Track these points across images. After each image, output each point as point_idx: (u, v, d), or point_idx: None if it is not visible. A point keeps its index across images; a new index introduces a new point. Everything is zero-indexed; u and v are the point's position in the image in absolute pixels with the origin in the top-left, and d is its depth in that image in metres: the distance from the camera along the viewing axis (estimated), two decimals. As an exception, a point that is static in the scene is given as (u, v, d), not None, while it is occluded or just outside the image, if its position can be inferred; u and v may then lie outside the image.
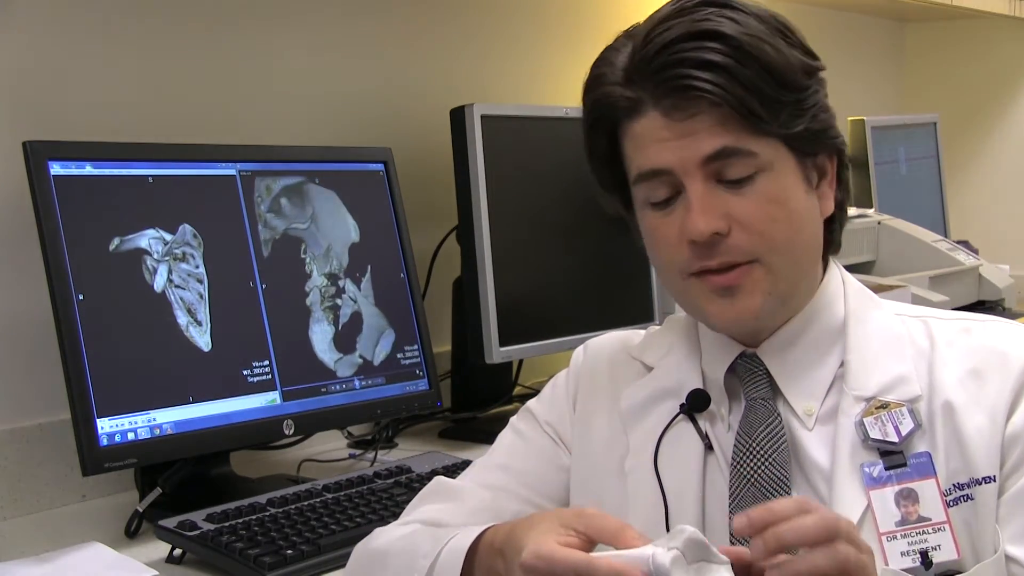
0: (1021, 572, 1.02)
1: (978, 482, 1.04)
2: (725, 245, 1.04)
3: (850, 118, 3.13)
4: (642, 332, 1.25)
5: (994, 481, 1.03)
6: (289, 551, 1.41)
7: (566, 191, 2.09)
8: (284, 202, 1.76)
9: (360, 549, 1.15)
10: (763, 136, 1.04)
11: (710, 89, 1.00)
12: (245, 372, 1.67)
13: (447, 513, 1.16)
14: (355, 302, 1.84)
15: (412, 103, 2.19)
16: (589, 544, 0.91)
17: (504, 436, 1.25)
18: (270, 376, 1.69)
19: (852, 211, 2.68)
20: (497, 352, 1.99)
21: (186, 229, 1.64)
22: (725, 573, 0.87)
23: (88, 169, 1.55)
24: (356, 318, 1.84)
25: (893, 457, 1.05)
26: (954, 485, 1.05)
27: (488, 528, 1.01)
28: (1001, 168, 3.70)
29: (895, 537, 1.03)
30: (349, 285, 1.84)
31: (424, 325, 1.93)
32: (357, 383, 1.82)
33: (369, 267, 1.86)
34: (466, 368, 2.12)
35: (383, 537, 1.12)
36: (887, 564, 1.02)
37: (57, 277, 1.47)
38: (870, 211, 2.84)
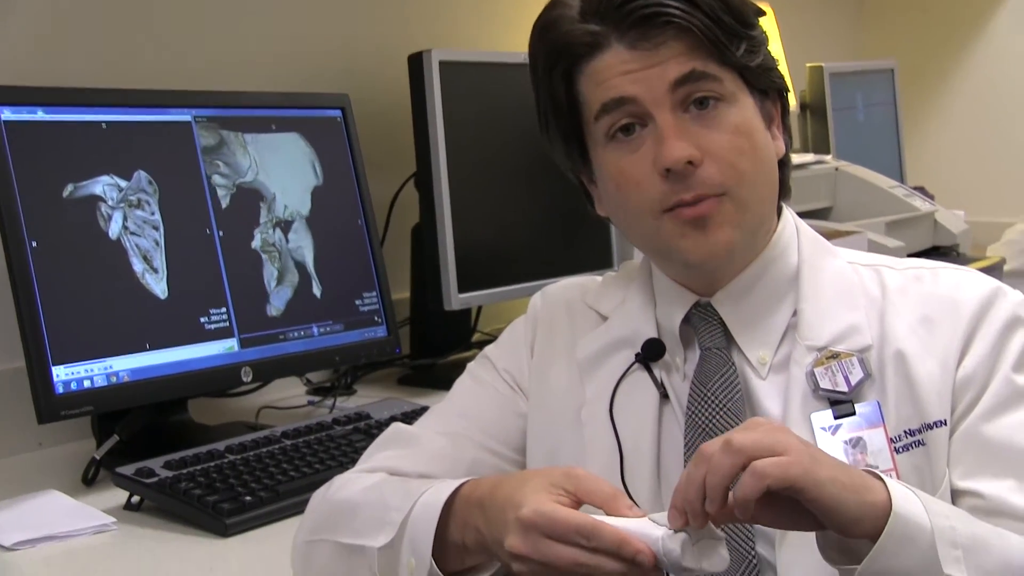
0: (979, 503, 1.02)
1: (929, 427, 1.04)
2: (697, 177, 1.04)
3: (808, 64, 3.12)
4: (599, 279, 1.24)
5: (945, 425, 1.04)
6: (248, 497, 1.40)
7: (525, 137, 2.02)
8: (240, 148, 1.75)
9: (321, 497, 1.14)
10: (726, 66, 1.05)
11: (678, 14, 1.02)
12: (202, 319, 1.66)
13: (405, 460, 1.15)
14: (308, 249, 1.83)
15: (370, 49, 2.17)
16: (576, 506, 0.92)
17: (461, 383, 1.24)
18: (227, 323, 1.68)
19: (809, 157, 2.74)
20: (456, 299, 1.99)
21: (141, 176, 1.62)
22: (723, 550, 0.88)
23: (40, 114, 1.53)
24: (307, 264, 1.83)
25: (843, 407, 1.06)
26: (905, 431, 1.05)
27: (464, 483, 1.01)
28: (957, 115, 3.71)
29: None
30: (303, 232, 1.83)
31: (383, 272, 1.92)
32: (315, 330, 1.81)
33: (327, 213, 1.85)
34: (425, 315, 2.11)
35: (348, 488, 1.10)
36: None
37: (10, 224, 1.45)
38: (828, 157, 2.84)
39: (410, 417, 1.69)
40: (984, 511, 1.00)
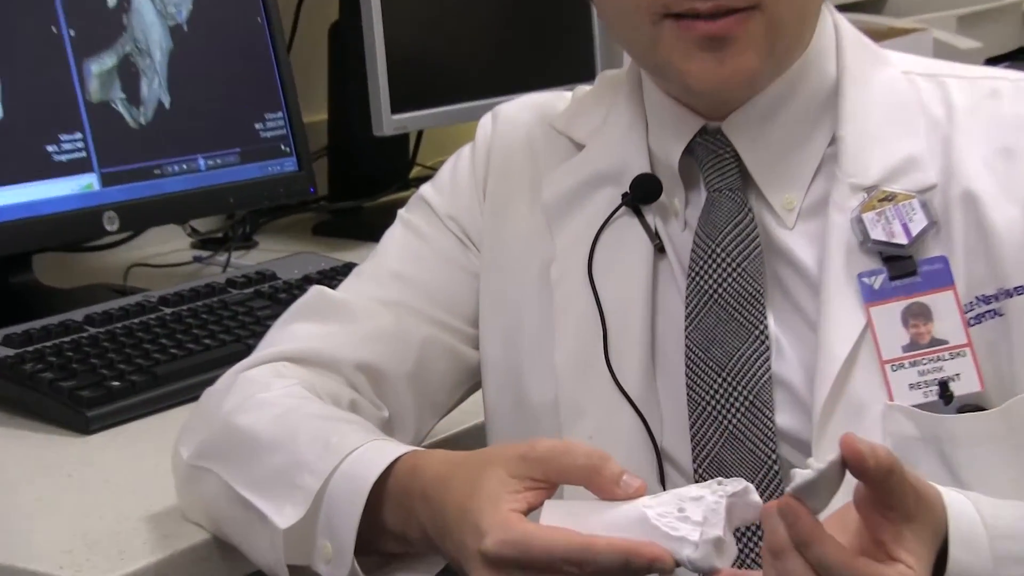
0: None
1: (1008, 293, 1.06)
2: None
3: None
4: (567, 95, 1.25)
5: None
6: (115, 383, 1.42)
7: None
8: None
9: (215, 405, 1.14)
10: None
11: None
12: (50, 148, 1.64)
13: (334, 340, 1.16)
14: (192, 55, 1.82)
15: None
16: (551, 493, 0.93)
17: (394, 235, 1.26)
18: (84, 153, 1.68)
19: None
20: (388, 121, 1.99)
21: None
22: (730, 553, 0.91)
23: None
24: (191, 75, 1.82)
25: (900, 263, 1.07)
26: (977, 298, 1.07)
27: (401, 457, 1.00)
28: None
29: (902, 366, 1.06)
30: (184, 33, 1.82)
31: (290, 86, 1.91)
32: (201, 162, 1.81)
33: (215, 9, 1.84)
34: (347, 142, 2.14)
35: (251, 412, 1.09)
36: (892, 399, 1.05)
37: None
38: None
39: (329, 278, 1.70)
40: None
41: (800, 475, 0.85)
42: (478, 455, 0.98)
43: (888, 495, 0.86)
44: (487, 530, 0.90)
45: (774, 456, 1.08)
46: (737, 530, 0.93)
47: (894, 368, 1.06)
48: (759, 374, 1.08)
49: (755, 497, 0.90)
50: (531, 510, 0.92)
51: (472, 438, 1.33)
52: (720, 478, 0.90)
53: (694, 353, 1.10)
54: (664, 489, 1.07)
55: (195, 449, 1.12)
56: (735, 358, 1.09)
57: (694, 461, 1.09)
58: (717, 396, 1.09)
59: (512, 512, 0.91)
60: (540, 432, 1.13)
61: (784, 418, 1.08)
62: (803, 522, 0.85)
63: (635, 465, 1.03)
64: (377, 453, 1.01)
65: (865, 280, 1.07)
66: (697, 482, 1.03)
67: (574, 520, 0.89)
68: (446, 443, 1.32)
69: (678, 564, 0.88)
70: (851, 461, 0.85)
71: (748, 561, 1.08)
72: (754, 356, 1.09)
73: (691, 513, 0.89)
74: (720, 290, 1.10)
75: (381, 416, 1.16)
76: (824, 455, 0.91)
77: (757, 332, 1.09)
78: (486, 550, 0.90)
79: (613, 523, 0.89)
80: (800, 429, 1.07)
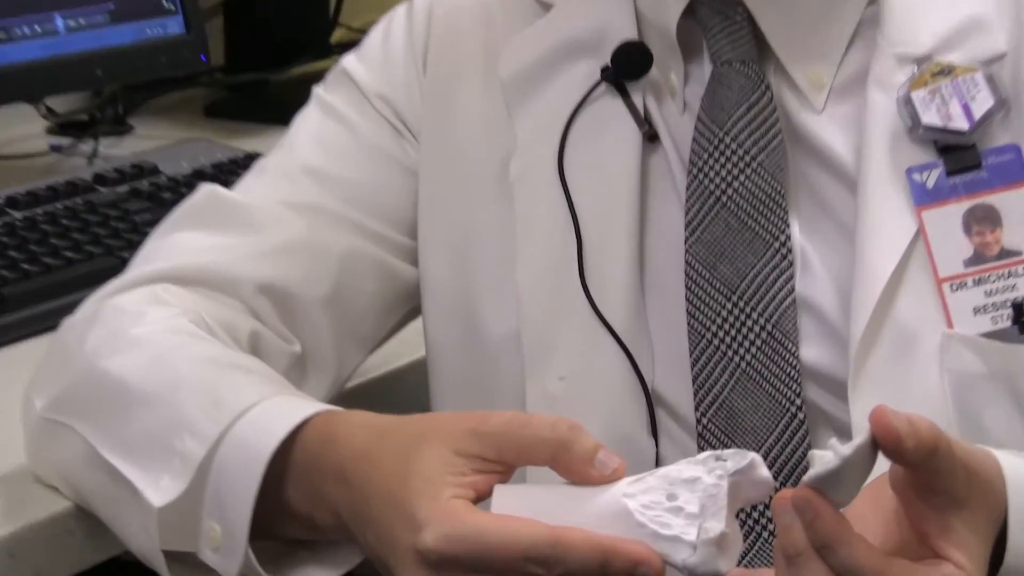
0: None
1: None
2: None
3: None
4: None
5: None
6: (-52, 307, 1.38)
7: None
8: None
9: (76, 342, 1.09)
10: None
11: None
12: None
13: (230, 254, 1.13)
14: None
15: None
16: (508, 477, 0.88)
17: (309, 119, 1.22)
18: None
19: None
20: None
21: None
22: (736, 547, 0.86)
23: None
24: None
25: (960, 155, 1.03)
26: None
27: (312, 419, 0.95)
28: None
29: (964, 284, 1.02)
30: None
31: None
32: (60, 22, 1.72)
33: None
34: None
35: (122, 355, 1.05)
36: (952, 327, 1.00)
37: None
38: None
39: (226, 173, 1.64)
40: None
41: (820, 461, 0.80)
42: (413, 424, 0.92)
43: (932, 477, 0.81)
44: (426, 522, 0.84)
45: (798, 401, 1.03)
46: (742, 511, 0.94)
47: (954, 287, 1.02)
48: (780, 297, 1.04)
49: (763, 473, 0.84)
50: (480, 499, 0.86)
51: (411, 380, 1.29)
52: (718, 451, 0.85)
53: (696, 272, 1.06)
54: (656, 444, 1.04)
55: (50, 399, 1.07)
56: (749, 277, 1.05)
57: (697, 409, 1.05)
58: (726, 326, 1.05)
59: (456, 500, 0.85)
60: (499, 372, 1.11)
61: (812, 352, 1.04)
62: (824, 520, 0.80)
63: (619, 413, 1.03)
64: (279, 413, 0.96)
65: (915, 176, 1.03)
66: (701, 436, 1.02)
67: (532, 512, 0.84)
68: (377, 385, 1.30)
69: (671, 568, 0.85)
70: (885, 442, 0.79)
71: (754, 548, 1.05)
72: (774, 274, 1.04)
73: (684, 502, 0.83)
74: (730, 191, 1.06)
75: (291, 352, 1.12)
76: (862, 402, 0.92)
77: (777, 244, 1.05)
78: (425, 547, 0.84)
79: (583, 517, 0.84)
80: (832, 366, 1.03)
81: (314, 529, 0.96)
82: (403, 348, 1.28)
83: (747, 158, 1.06)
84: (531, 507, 0.85)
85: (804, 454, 1.03)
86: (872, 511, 0.84)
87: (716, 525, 0.82)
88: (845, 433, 1.01)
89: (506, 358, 1.11)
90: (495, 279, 1.12)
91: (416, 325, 1.21)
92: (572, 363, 1.08)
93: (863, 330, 1.01)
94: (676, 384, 1.07)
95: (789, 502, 0.80)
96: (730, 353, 1.05)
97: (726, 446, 1.01)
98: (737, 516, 0.87)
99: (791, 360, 1.04)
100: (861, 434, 0.80)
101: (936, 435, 0.80)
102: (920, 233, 1.02)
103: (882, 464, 0.82)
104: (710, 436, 1.02)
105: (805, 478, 0.80)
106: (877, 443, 0.79)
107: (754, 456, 0.84)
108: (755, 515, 1.04)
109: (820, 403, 1.04)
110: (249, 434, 0.95)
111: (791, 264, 1.05)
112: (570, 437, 0.85)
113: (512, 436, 0.86)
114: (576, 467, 0.85)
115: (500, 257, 1.12)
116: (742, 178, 1.06)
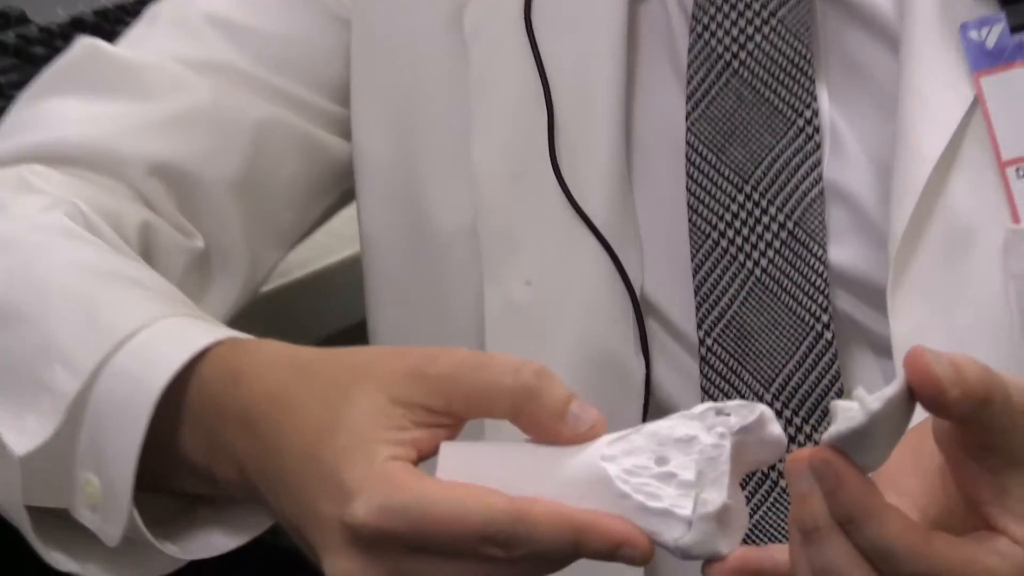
0: None
1: None
2: None
3: None
4: None
5: None
6: None
7: None
8: None
9: None
10: None
11: None
12: None
13: (115, 126, 1.07)
14: None
15: None
16: (458, 429, 0.81)
17: None
18: None
19: None
20: None
21: None
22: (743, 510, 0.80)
23: None
24: None
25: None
26: None
27: (213, 348, 0.87)
28: None
29: None
30: None
31: None
32: None
33: None
34: None
35: None
36: (1018, 221, 0.95)
37: None
38: None
39: (112, 23, 1.57)
40: None
41: (844, 415, 0.71)
42: (341, 360, 0.84)
43: (985, 433, 0.73)
44: (357, 490, 0.77)
45: (825, 318, 0.98)
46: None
47: (1020, 173, 0.96)
48: (805, 186, 0.98)
49: (774, 430, 0.77)
50: (423, 459, 0.79)
51: (341, 282, 1.27)
52: (719, 403, 0.78)
53: (700, 155, 1.01)
54: (648, 364, 0.99)
55: None
56: (767, 162, 0.99)
57: (700, 327, 0.99)
58: (736, 223, 1.00)
59: (394, 462, 0.78)
60: (451, 275, 1.07)
61: (843, 253, 0.98)
62: (849, 488, 0.72)
63: (600, 326, 0.99)
64: (172, 339, 0.89)
65: (972, 34, 0.97)
66: (705, 361, 0.97)
67: (489, 478, 0.78)
68: (299, 289, 1.28)
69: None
70: (923, 393, 0.70)
71: (764, 507, 1.01)
72: (797, 158, 0.99)
73: (677, 467, 0.76)
74: (743, 54, 1.01)
75: (191, 248, 1.06)
76: (904, 313, 0.90)
77: (802, 121, 0.99)
78: (356, 521, 0.77)
79: (552, 485, 0.78)
80: (868, 269, 0.98)
81: (216, 484, 0.90)
82: (333, 243, 1.27)
83: (764, 13, 1.01)
84: (487, 472, 0.78)
85: (832, 383, 0.99)
86: (911, 470, 0.77)
87: (716, 496, 0.76)
88: (885, 353, 0.96)
89: (460, 256, 1.06)
90: (446, 157, 1.07)
91: (349, 213, 1.16)
92: (541, 264, 1.03)
93: (907, 224, 0.95)
94: (672, 291, 1.02)
95: (806, 464, 0.72)
96: (741, 256, 1.00)
97: (736, 373, 0.96)
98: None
99: (817, 264, 0.99)
100: (894, 383, 0.71)
101: (988, 382, 0.71)
102: (978, 104, 0.96)
103: (922, 412, 0.74)
104: (715, 361, 0.97)
105: (826, 436, 0.72)
106: (914, 393, 0.71)
107: (763, 409, 0.77)
108: (764, 468, 0.99)
109: (854, 315, 0.98)
110: (134, 366, 0.88)
111: (819, 145, 0.99)
112: (536, 384, 0.78)
113: (464, 381, 0.80)
114: (543, 422, 0.78)
115: (452, 129, 1.07)
116: (758, 38, 1.01)
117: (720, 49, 1.02)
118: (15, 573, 1.02)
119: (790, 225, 0.99)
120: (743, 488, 0.85)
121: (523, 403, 0.78)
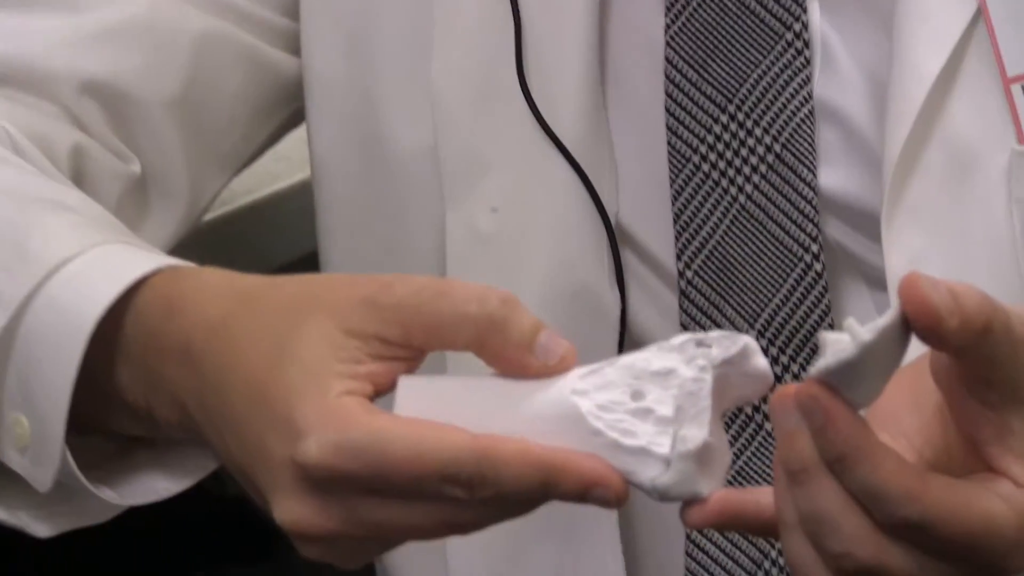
0: None
1: None
2: None
3: None
4: None
5: None
6: None
7: None
8: None
9: None
10: None
11: None
12: None
13: (45, 40, 1.05)
14: None
15: None
16: (417, 363, 0.80)
17: None
18: None
19: None
20: None
21: None
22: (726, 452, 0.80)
23: None
24: None
25: None
26: None
27: (150, 277, 0.85)
28: None
29: None
30: None
31: None
32: None
33: None
34: None
35: None
36: (1023, 142, 0.93)
37: None
38: None
39: None
40: None
41: (833, 348, 0.70)
42: (289, 288, 0.83)
43: (986, 366, 0.71)
44: (308, 427, 0.76)
45: (815, 248, 0.97)
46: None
47: None
48: (793, 104, 0.97)
49: (759, 362, 0.76)
50: (380, 394, 0.78)
51: (290, 209, 1.27)
52: (700, 334, 0.77)
53: (679, 72, 0.99)
54: (623, 296, 0.98)
55: None
56: (752, 79, 0.98)
57: (680, 258, 0.98)
58: (719, 146, 0.99)
59: (349, 397, 0.76)
60: (409, 200, 1.05)
61: (834, 177, 0.96)
62: (838, 426, 0.70)
63: (572, 255, 0.98)
64: (107, 268, 0.88)
65: None
66: (685, 295, 0.97)
67: (451, 414, 0.76)
68: (245, 217, 1.26)
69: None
70: (919, 322, 0.69)
71: (748, 450, 1.00)
72: (785, 74, 0.97)
73: (654, 402, 0.75)
74: None
75: (127, 172, 1.04)
76: (900, 241, 0.91)
77: (791, 34, 0.97)
78: (308, 461, 0.75)
79: (519, 421, 0.77)
80: (862, 195, 0.96)
81: (155, 425, 0.88)
82: (280, 167, 1.27)
83: None
84: (449, 408, 0.77)
85: (822, 318, 0.97)
86: (906, 409, 0.75)
87: (696, 433, 0.74)
88: (879, 285, 0.95)
89: (419, 181, 1.04)
90: (403, 73, 1.04)
91: (298, 135, 1.13)
92: (508, 189, 1.01)
93: (903, 145, 0.93)
94: (649, 218, 1.00)
95: (793, 400, 0.71)
96: (724, 182, 0.98)
97: (718, 307, 0.95)
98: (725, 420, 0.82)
99: (805, 190, 0.97)
100: (887, 312, 0.70)
101: (989, 310, 0.70)
102: (980, 15, 0.94)
103: (918, 347, 0.73)
104: (696, 294, 0.95)
105: (814, 370, 0.70)
106: (909, 323, 0.69)
107: (747, 340, 0.76)
108: (748, 409, 0.99)
109: (845, 244, 0.97)
110: (65, 297, 0.86)
111: (808, 60, 0.97)
112: (502, 313, 0.76)
113: (424, 310, 0.77)
114: (510, 353, 0.76)
115: (411, 44, 1.04)
116: None
117: None
118: (14, 571, 1.04)
119: (777, 147, 0.97)
120: (725, 431, 0.82)
121: (488, 333, 0.76)
